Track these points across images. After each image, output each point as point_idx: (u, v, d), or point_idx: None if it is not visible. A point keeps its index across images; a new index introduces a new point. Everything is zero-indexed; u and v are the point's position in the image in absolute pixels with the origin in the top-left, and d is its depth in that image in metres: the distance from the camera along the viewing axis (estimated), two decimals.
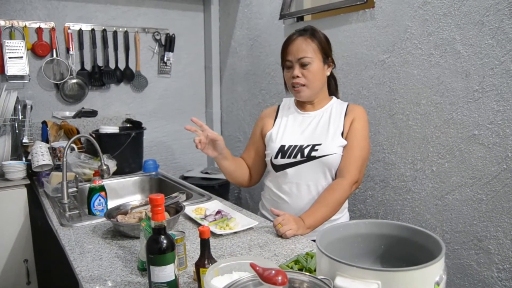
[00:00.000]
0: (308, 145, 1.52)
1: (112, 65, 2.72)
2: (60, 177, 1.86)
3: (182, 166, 3.13)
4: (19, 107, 2.30)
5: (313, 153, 1.50)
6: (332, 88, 1.66)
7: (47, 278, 2.27)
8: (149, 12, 2.84)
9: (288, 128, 1.60)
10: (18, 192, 2.07)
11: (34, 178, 2.23)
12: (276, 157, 1.56)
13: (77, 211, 1.70)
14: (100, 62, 2.68)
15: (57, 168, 2.20)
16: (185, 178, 2.76)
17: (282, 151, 1.55)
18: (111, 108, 2.78)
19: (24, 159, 2.27)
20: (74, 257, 1.25)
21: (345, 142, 1.51)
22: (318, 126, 1.55)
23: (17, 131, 2.31)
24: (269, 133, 1.63)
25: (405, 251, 0.88)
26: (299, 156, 1.52)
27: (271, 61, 2.55)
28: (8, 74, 2.31)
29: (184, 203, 1.63)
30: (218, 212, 1.54)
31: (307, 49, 1.50)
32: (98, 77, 2.67)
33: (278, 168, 1.57)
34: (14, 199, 2.06)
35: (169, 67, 2.95)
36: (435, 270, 0.73)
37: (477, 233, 1.57)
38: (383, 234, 0.91)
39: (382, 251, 0.92)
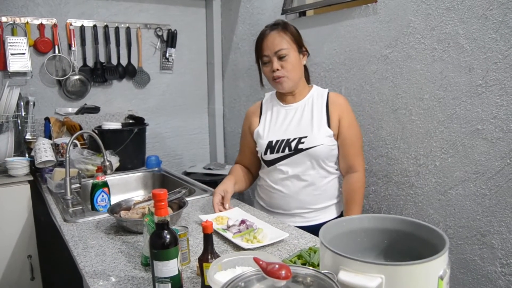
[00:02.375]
0: (294, 138, 1.55)
1: (114, 61, 2.72)
2: (63, 173, 1.87)
3: (185, 162, 3.13)
4: (22, 103, 2.30)
5: (300, 146, 1.54)
6: (305, 76, 1.68)
7: (51, 273, 2.28)
8: (151, 8, 2.83)
9: (273, 123, 1.64)
10: (22, 188, 2.08)
11: (37, 174, 2.23)
12: (265, 153, 1.60)
13: (80, 207, 1.71)
14: (102, 58, 2.68)
15: (60, 164, 2.20)
16: (187, 174, 2.76)
17: (271, 147, 1.59)
18: (114, 104, 2.78)
19: (27, 155, 2.27)
20: (78, 253, 1.26)
21: (331, 132, 1.55)
22: (302, 118, 1.59)
23: (20, 128, 2.31)
24: (256, 130, 1.67)
25: (408, 246, 0.88)
26: (287, 150, 1.56)
27: None
28: (10, 71, 2.32)
29: (187, 199, 1.63)
30: (243, 221, 1.39)
31: (282, 42, 1.53)
32: (100, 73, 2.67)
33: (269, 163, 1.62)
34: (17, 195, 2.07)
35: (171, 63, 2.94)
36: (439, 265, 0.73)
37: (481, 228, 1.57)
38: (387, 229, 0.91)
39: (385, 245, 0.92)
